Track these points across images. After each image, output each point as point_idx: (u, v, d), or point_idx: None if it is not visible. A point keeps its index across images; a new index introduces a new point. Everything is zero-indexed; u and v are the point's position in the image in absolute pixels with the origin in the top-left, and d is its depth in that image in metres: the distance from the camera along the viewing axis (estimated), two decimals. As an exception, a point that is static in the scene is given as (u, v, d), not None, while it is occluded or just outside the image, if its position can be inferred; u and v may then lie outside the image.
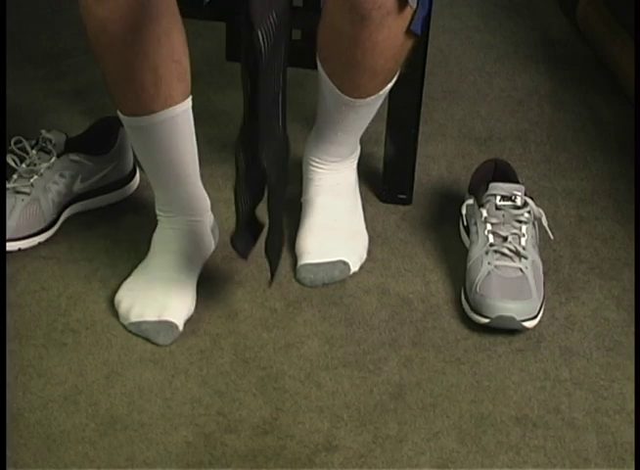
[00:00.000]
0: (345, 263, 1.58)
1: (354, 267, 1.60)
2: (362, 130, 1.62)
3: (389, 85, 1.53)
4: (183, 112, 1.45)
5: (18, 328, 1.48)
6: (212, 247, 1.58)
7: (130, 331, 1.47)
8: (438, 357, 1.46)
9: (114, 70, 1.41)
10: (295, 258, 1.60)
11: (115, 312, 1.50)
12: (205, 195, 1.56)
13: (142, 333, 1.46)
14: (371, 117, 1.59)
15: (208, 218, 1.57)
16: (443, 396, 1.40)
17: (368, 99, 1.52)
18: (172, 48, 1.40)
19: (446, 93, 2.08)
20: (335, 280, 1.57)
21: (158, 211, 1.56)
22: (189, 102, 1.46)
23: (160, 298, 1.48)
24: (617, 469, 1.31)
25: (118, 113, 1.46)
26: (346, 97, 1.51)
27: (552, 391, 1.41)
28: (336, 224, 1.62)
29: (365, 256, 1.62)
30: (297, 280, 1.57)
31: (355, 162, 1.67)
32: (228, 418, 1.35)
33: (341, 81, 1.50)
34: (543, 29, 2.38)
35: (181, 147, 1.49)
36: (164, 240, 1.54)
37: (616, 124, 2.01)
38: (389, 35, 1.42)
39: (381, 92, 1.52)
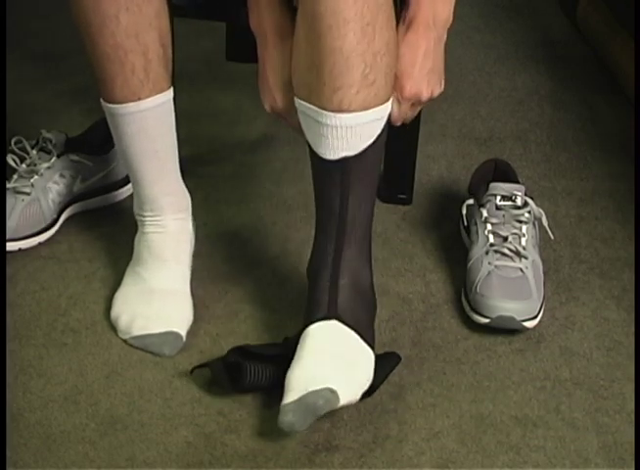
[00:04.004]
0: (333, 392, 1.29)
1: (344, 400, 1.31)
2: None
3: (375, 110, 1.32)
4: (168, 100, 1.47)
5: (18, 328, 1.48)
6: (194, 242, 1.58)
7: (131, 345, 1.46)
8: (438, 357, 1.46)
9: (105, 53, 1.41)
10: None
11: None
12: (187, 192, 1.56)
13: (145, 347, 1.44)
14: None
15: (190, 216, 1.57)
16: (443, 396, 1.40)
17: (353, 115, 1.30)
18: (161, 32, 1.43)
19: (446, 93, 2.07)
20: (320, 413, 1.29)
21: (139, 215, 1.54)
22: (172, 92, 1.48)
23: (161, 310, 1.48)
24: (617, 469, 1.30)
25: (102, 102, 1.47)
26: (326, 112, 1.30)
27: (552, 391, 1.41)
28: (328, 348, 1.36)
29: (358, 392, 1.35)
30: (281, 428, 1.29)
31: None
32: (228, 418, 1.35)
33: (313, 88, 1.31)
34: (543, 29, 2.38)
35: (165, 137, 1.49)
36: (152, 246, 1.53)
37: (616, 124, 2.01)
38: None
39: (368, 111, 1.31)
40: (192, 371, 1.39)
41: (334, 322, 1.37)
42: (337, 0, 1.25)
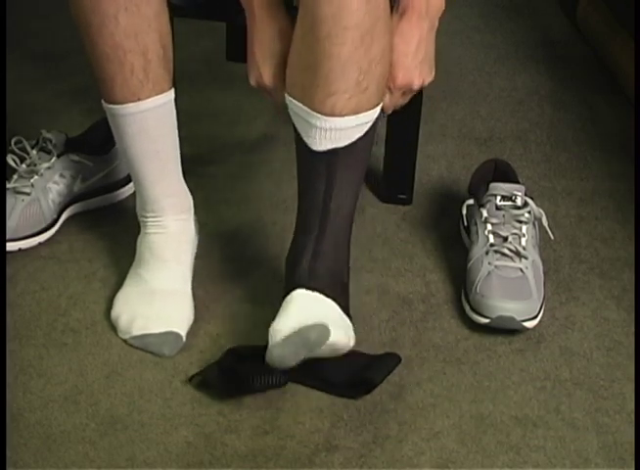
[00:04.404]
0: (324, 326, 1.30)
1: (335, 336, 1.32)
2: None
3: (366, 114, 1.34)
4: (168, 101, 1.48)
5: (18, 328, 1.48)
6: (196, 243, 1.58)
7: (131, 345, 1.46)
8: (438, 357, 1.46)
9: (104, 54, 1.41)
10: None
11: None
12: (189, 193, 1.56)
13: (145, 347, 1.44)
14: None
15: (192, 216, 1.58)
16: (443, 396, 1.40)
17: (344, 119, 1.32)
18: (161, 33, 1.43)
19: (446, 93, 2.08)
20: (312, 348, 1.29)
21: (141, 216, 1.55)
22: (173, 93, 1.48)
23: (162, 310, 1.48)
24: (617, 469, 1.30)
25: (103, 103, 1.47)
26: (318, 115, 1.32)
27: (552, 391, 1.41)
28: (314, 308, 1.37)
29: (351, 342, 1.37)
30: (269, 364, 1.31)
31: None
32: (228, 418, 1.35)
33: (307, 90, 1.33)
34: (543, 29, 2.38)
35: (166, 138, 1.49)
36: (154, 247, 1.53)
37: (616, 124, 2.01)
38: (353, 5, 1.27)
39: (359, 115, 1.33)
40: (190, 379, 1.39)
41: (316, 293, 1.38)
42: (339, 7, 1.26)
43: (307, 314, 1.33)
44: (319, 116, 1.33)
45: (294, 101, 1.35)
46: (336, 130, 1.34)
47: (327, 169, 1.37)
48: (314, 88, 1.32)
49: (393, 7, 1.37)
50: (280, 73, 1.38)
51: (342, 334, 1.34)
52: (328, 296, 1.39)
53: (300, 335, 1.29)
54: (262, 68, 1.39)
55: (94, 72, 1.45)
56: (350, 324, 1.40)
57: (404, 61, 1.37)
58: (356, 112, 1.33)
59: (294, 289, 1.38)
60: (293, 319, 1.32)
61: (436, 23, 1.39)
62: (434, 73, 1.42)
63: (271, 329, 1.32)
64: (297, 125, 1.37)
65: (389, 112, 1.43)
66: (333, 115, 1.32)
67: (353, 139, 1.36)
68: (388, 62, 1.35)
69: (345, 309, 1.41)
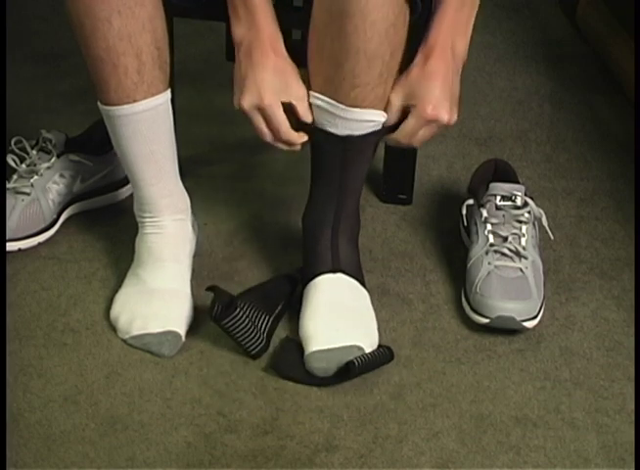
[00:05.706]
0: (360, 349, 1.41)
1: (367, 350, 1.43)
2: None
3: (379, 112, 1.40)
4: (164, 102, 1.47)
5: (18, 328, 1.48)
6: (195, 243, 1.58)
7: (131, 345, 1.46)
8: (438, 357, 1.46)
9: (98, 56, 1.41)
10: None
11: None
12: (186, 193, 1.57)
13: (144, 346, 1.44)
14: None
15: (190, 216, 1.58)
16: (443, 396, 1.40)
17: (364, 111, 1.38)
18: (155, 34, 1.43)
19: (446, 93, 2.08)
20: (343, 362, 1.40)
21: (139, 216, 1.55)
22: (169, 93, 1.48)
23: (161, 310, 1.48)
24: (617, 469, 1.31)
25: (99, 104, 1.47)
26: (342, 106, 1.37)
27: (552, 391, 1.41)
28: (343, 302, 1.48)
29: (377, 341, 1.46)
30: (308, 370, 1.40)
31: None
32: (228, 418, 1.35)
33: (330, 81, 1.36)
34: (543, 29, 2.38)
35: (162, 139, 1.49)
36: (152, 247, 1.53)
37: (616, 124, 2.01)
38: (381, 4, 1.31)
39: (376, 109, 1.39)
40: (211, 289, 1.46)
41: (339, 275, 1.49)
42: (367, 2, 1.29)
43: (342, 323, 1.44)
44: (343, 107, 1.38)
45: (315, 93, 1.39)
46: (355, 121, 1.39)
47: (343, 152, 1.42)
48: (339, 80, 1.36)
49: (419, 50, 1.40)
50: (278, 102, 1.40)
51: (370, 344, 1.44)
52: (349, 275, 1.50)
53: (339, 356, 1.40)
54: (264, 91, 1.40)
55: (89, 74, 1.45)
56: (368, 298, 1.50)
57: (431, 95, 1.38)
58: (374, 105, 1.38)
59: (317, 275, 1.49)
60: (328, 324, 1.44)
61: (460, 69, 1.43)
62: (456, 115, 1.42)
63: (304, 325, 1.44)
64: (317, 115, 1.41)
65: (418, 144, 1.45)
66: (355, 105, 1.37)
67: (367, 131, 1.41)
68: (402, 50, 1.38)
69: (362, 282, 1.52)
